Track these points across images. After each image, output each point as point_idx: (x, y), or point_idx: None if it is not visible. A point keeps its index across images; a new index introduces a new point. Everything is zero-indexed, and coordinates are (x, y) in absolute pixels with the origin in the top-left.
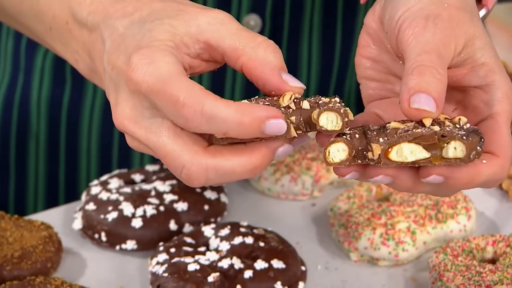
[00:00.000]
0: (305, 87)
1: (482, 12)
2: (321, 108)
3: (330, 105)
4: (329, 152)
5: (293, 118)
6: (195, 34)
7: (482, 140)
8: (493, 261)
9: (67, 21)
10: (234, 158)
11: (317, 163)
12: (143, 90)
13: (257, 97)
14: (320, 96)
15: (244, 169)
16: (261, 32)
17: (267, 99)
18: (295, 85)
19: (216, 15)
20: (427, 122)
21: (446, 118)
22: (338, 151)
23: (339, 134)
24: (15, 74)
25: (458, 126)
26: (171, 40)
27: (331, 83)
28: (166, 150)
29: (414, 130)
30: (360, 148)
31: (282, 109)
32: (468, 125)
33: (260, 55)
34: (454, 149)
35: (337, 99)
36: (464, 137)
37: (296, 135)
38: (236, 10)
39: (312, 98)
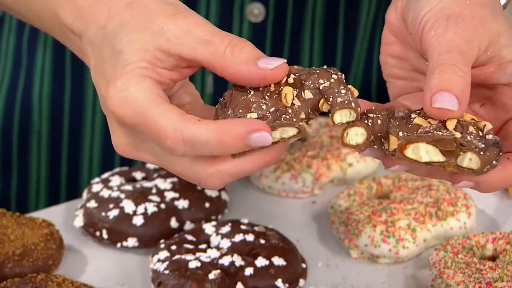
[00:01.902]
0: (285, 61)
1: (503, 0)
2: (330, 103)
3: (339, 99)
4: (347, 134)
5: (302, 115)
6: (166, 49)
7: (501, 153)
8: (493, 258)
9: (59, 24)
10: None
11: (318, 161)
12: (127, 123)
13: (260, 98)
14: (313, 69)
15: (257, 165)
16: (265, 20)
17: (267, 97)
18: (275, 66)
19: (183, 24)
20: (451, 123)
21: (472, 120)
22: (357, 135)
23: (362, 117)
24: (17, 71)
25: (480, 134)
26: (143, 59)
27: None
28: (177, 169)
29: (435, 132)
30: (379, 134)
31: (290, 111)
32: (490, 136)
33: (231, 59)
34: (469, 160)
35: (336, 76)
36: (482, 152)
37: (311, 130)
38: None
39: (308, 76)
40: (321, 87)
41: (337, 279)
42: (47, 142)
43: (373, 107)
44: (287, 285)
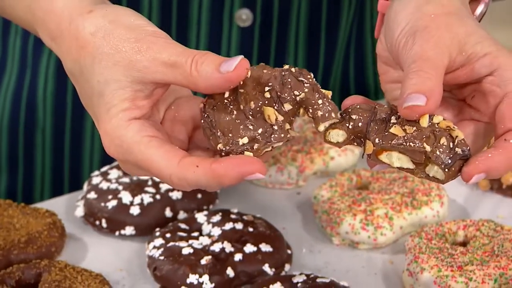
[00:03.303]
0: (242, 57)
1: (480, 8)
2: (311, 115)
3: (320, 113)
4: (329, 133)
5: (287, 126)
6: (141, 79)
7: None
8: (463, 244)
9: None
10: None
11: (302, 155)
12: (127, 163)
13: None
14: (283, 75)
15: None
16: (253, 25)
17: (249, 115)
18: (234, 67)
19: (147, 53)
20: (424, 121)
21: (447, 127)
22: (338, 136)
23: (344, 118)
24: (23, 72)
25: (451, 145)
26: (124, 99)
27: (317, 74)
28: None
29: (408, 143)
30: (359, 135)
31: (276, 128)
32: (459, 149)
33: (197, 76)
34: (436, 171)
35: (309, 84)
36: (447, 168)
37: (294, 135)
38: (229, 4)
39: (280, 87)
40: (298, 99)
41: (320, 264)
42: (51, 137)
43: (358, 106)
44: (273, 269)
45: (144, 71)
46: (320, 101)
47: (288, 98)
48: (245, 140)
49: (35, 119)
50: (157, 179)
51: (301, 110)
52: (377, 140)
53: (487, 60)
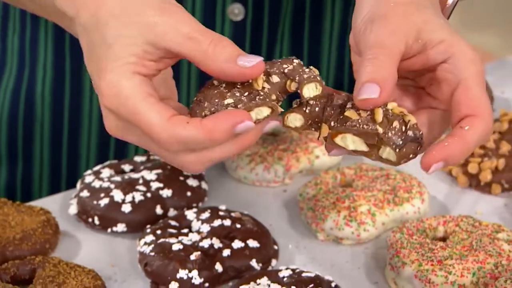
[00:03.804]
0: (262, 59)
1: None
2: (297, 81)
3: (304, 76)
4: (287, 118)
5: (273, 96)
6: (154, 43)
7: (419, 148)
8: (443, 239)
9: (55, 10)
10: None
11: (288, 154)
12: (119, 116)
13: (233, 86)
14: (277, 61)
15: (235, 149)
16: (245, 19)
17: (239, 86)
18: (252, 64)
19: (170, 20)
20: (378, 115)
21: (401, 113)
22: (295, 120)
23: (302, 103)
24: (21, 69)
25: (403, 129)
26: (132, 54)
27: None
28: (162, 154)
29: (361, 125)
30: (316, 120)
31: (262, 93)
32: (410, 132)
33: (212, 56)
34: (388, 153)
35: (297, 61)
36: (398, 149)
37: (282, 110)
38: None
39: (272, 65)
40: (286, 71)
41: (306, 259)
42: (49, 133)
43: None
44: (260, 264)
45: (161, 36)
46: (307, 70)
47: (277, 71)
48: (229, 100)
49: (34, 115)
50: (148, 177)
51: (288, 82)
52: (332, 123)
53: (442, 47)
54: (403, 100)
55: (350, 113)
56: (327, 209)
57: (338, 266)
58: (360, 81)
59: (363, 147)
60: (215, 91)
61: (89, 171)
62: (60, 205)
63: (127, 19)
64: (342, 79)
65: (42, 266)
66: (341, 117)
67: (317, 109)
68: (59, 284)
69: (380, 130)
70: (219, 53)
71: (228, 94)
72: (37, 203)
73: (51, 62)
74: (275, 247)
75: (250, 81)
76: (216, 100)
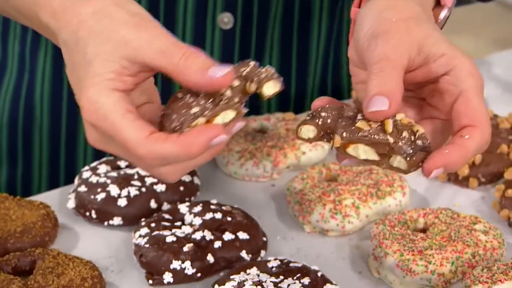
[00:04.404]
0: (231, 69)
1: (443, 13)
2: (255, 81)
3: (262, 76)
4: (301, 130)
5: (236, 99)
6: (131, 58)
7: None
8: (423, 230)
9: (40, 23)
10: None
11: (276, 150)
12: (100, 130)
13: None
14: (233, 65)
15: (208, 158)
16: (234, 28)
17: (201, 95)
18: (222, 75)
19: (144, 36)
20: (388, 124)
21: (409, 123)
22: (309, 131)
23: (315, 116)
24: (21, 73)
25: (412, 138)
26: (111, 71)
27: (291, 73)
28: (140, 166)
29: (373, 136)
30: (328, 131)
31: (225, 98)
32: (419, 141)
33: (183, 68)
34: (399, 162)
35: (253, 63)
36: (408, 157)
37: (246, 111)
38: (212, 8)
39: (232, 68)
40: (243, 73)
41: (293, 250)
42: (47, 134)
43: (327, 105)
44: (250, 255)
45: (137, 51)
46: (263, 70)
47: (236, 75)
48: (195, 109)
49: (33, 117)
50: (143, 173)
51: (247, 84)
52: (344, 134)
53: (443, 60)
54: (406, 111)
55: (361, 124)
56: (313, 203)
57: (324, 256)
58: (369, 94)
59: (375, 157)
60: (181, 103)
61: (86, 167)
62: (59, 200)
63: (104, 36)
64: (326, 85)
65: (42, 257)
66: (353, 128)
67: (329, 120)
68: (58, 275)
69: (391, 140)
70: (190, 65)
71: (194, 103)
72: (37, 198)
73: (50, 67)
74: (264, 238)
75: None
76: (184, 111)
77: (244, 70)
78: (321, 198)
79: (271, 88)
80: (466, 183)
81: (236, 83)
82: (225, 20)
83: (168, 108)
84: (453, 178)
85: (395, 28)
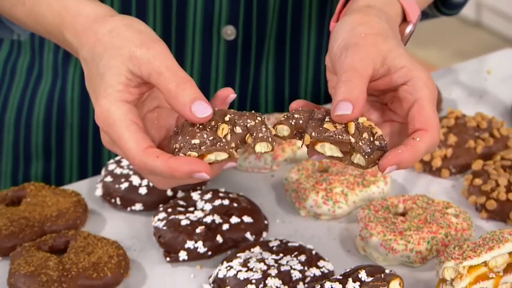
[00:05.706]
0: (211, 111)
1: (409, 28)
2: (253, 137)
3: (260, 134)
4: (276, 128)
5: (233, 144)
6: (133, 72)
7: (384, 154)
8: (403, 214)
9: (64, 40)
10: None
11: (275, 145)
12: (107, 135)
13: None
14: (245, 113)
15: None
16: (236, 39)
17: (208, 129)
18: (201, 116)
19: (145, 55)
20: (351, 127)
21: (369, 125)
22: (283, 130)
23: (289, 117)
24: (55, 80)
25: (371, 139)
26: (119, 82)
27: (285, 80)
28: (138, 170)
29: (337, 136)
30: (300, 130)
31: (224, 140)
32: (377, 142)
33: (174, 95)
34: (359, 159)
35: (260, 118)
36: (367, 156)
37: (238, 157)
38: (217, 22)
39: (240, 116)
40: (248, 125)
41: (290, 232)
42: (77, 132)
43: (301, 108)
44: (254, 236)
45: (138, 66)
46: (264, 129)
47: (242, 124)
48: (196, 141)
49: (65, 117)
50: None
51: (247, 136)
52: (313, 134)
53: (403, 71)
54: (370, 113)
55: (328, 125)
56: (307, 191)
57: (317, 237)
58: (336, 99)
59: (338, 154)
60: (190, 129)
61: (111, 160)
62: (88, 188)
63: (115, 52)
64: (319, 90)
65: (74, 238)
66: (321, 128)
67: (301, 121)
68: (89, 253)
69: (353, 140)
70: (179, 94)
71: (198, 134)
72: (69, 187)
73: (79, 75)
74: (265, 222)
75: (218, 127)
76: (187, 137)
77: (249, 123)
78: (314, 187)
79: (263, 147)
80: (439, 173)
81: (239, 130)
82: (229, 32)
83: (181, 127)
84: (428, 169)
85: (364, 42)
